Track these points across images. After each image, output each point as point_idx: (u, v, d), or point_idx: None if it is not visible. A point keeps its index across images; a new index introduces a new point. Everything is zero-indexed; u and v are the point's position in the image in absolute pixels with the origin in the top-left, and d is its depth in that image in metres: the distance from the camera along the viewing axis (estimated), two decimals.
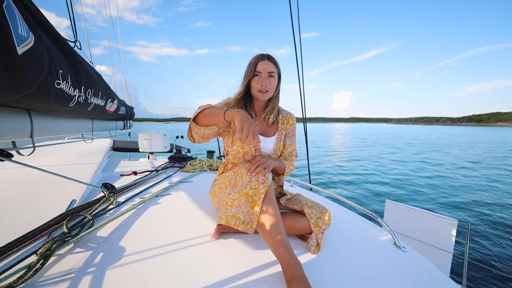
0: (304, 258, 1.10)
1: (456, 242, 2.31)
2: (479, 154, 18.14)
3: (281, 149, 1.40)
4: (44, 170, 1.43)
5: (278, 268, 0.97)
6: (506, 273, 3.18)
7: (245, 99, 1.36)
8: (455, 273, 2.70)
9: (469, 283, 2.99)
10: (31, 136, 1.26)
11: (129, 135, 5.32)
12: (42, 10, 1.10)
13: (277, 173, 1.38)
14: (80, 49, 2.10)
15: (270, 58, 1.29)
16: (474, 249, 3.89)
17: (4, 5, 0.71)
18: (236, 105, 1.34)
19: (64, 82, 1.17)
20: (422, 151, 19.38)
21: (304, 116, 3.43)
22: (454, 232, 2.27)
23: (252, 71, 1.28)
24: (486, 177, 9.96)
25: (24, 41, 0.81)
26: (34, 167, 1.38)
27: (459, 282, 1.72)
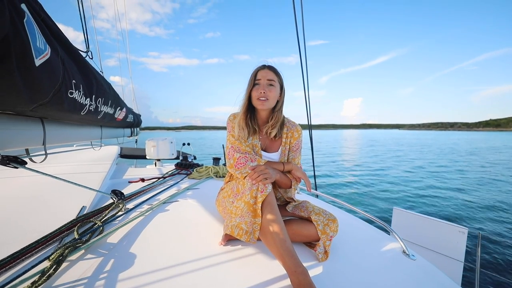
0: (312, 265, 1.09)
1: (467, 250, 2.26)
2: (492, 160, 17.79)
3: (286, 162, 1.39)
4: (55, 177, 1.46)
5: (286, 276, 0.97)
6: None
7: (249, 111, 1.34)
8: (467, 282, 2.63)
9: None
10: (44, 143, 1.29)
11: (136, 142, 5.39)
12: (60, 25, 1.14)
13: (281, 186, 1.35)
14: (92, 58, 2.16)
15: (270, 68, 1.29)
16: (486, 258, 3.79)
17: (24, 20, 0.74)
18: (243, 119, 1.31)
19: (77, 91, 1.21)
20: (431, 158, 19.10)
21: (309, 123, 3.43)
22: (464, 241, 2.23)
23: (252, 80, 1.28)
24: (497, 184, 9.74)
25: (42, 53, 0.85)
26: (46, 174, 1.41)
27: None
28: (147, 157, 3.75)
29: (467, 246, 2.24)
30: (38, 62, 0.83)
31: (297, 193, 2.41)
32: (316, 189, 3.06)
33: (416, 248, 2.42)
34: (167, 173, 2.99)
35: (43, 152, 1.33)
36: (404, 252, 1.27)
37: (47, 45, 0.91)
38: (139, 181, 2.54)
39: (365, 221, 1.71)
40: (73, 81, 1.16)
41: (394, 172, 12.23)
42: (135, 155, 4.72)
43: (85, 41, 2.30)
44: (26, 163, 1.23)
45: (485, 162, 16.50)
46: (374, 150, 26.81)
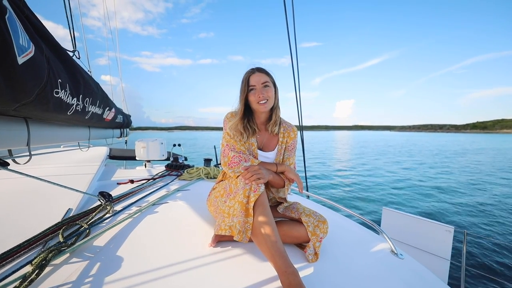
0: (302, 266, 1.09)
1: (453, 248, 2.32)
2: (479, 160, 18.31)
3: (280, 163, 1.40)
4: (40, 179, 1.42)
5: (277, 276, 0.97)
6: (504, 279, 3.18)
7: (247, 115, 1.35)
8: (453, 279, 2.69)
9: None
10: (28, 144, 1.25)
11: (126, 143, 5.30)
12: (49, 23, 1.11)
13: (273, 186, 1.36)
14: (79, 58, 2.12)
15: (260, 70, 1.31)
16: (472, 255, 3.89)
17: (6, 16, 0.72)
18: (240, 123, 1.31)
19: (63, 91, 1.18)
20: (419, 158, 19.51)
21: (301, 124, 3.45)
22: (451, 239, 2.28)
23: (246, 87, 1.29)
24: (484, 182, 10.03)
25: (25, 51, 0.82)
26: (30, 176, 1.37)
27: None
28: (136, 158, 3.69)
29: (453, 245, 2.30)
30: (21, 60, 0.80)
31: (289, 194, 2.41)
32: (307, 190, 3.07)
33: (404, 247, 2.46)
34: (157, 174, 2.95)
35: (27, 153, 1.29)
36: (392, 251, 1.29)
37: (31, 43, 0.88)
38: (128, 182, 2.50)
39: (355, 222, 1.73)
40: (59, 80, 1.13)
41: (384, 173, 12.43)
42: (125, 156, 4.64)
43: (72, 40, 2.25)
44: (8, 164, 1.19)
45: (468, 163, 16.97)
46: (365, 151, 27.20)
